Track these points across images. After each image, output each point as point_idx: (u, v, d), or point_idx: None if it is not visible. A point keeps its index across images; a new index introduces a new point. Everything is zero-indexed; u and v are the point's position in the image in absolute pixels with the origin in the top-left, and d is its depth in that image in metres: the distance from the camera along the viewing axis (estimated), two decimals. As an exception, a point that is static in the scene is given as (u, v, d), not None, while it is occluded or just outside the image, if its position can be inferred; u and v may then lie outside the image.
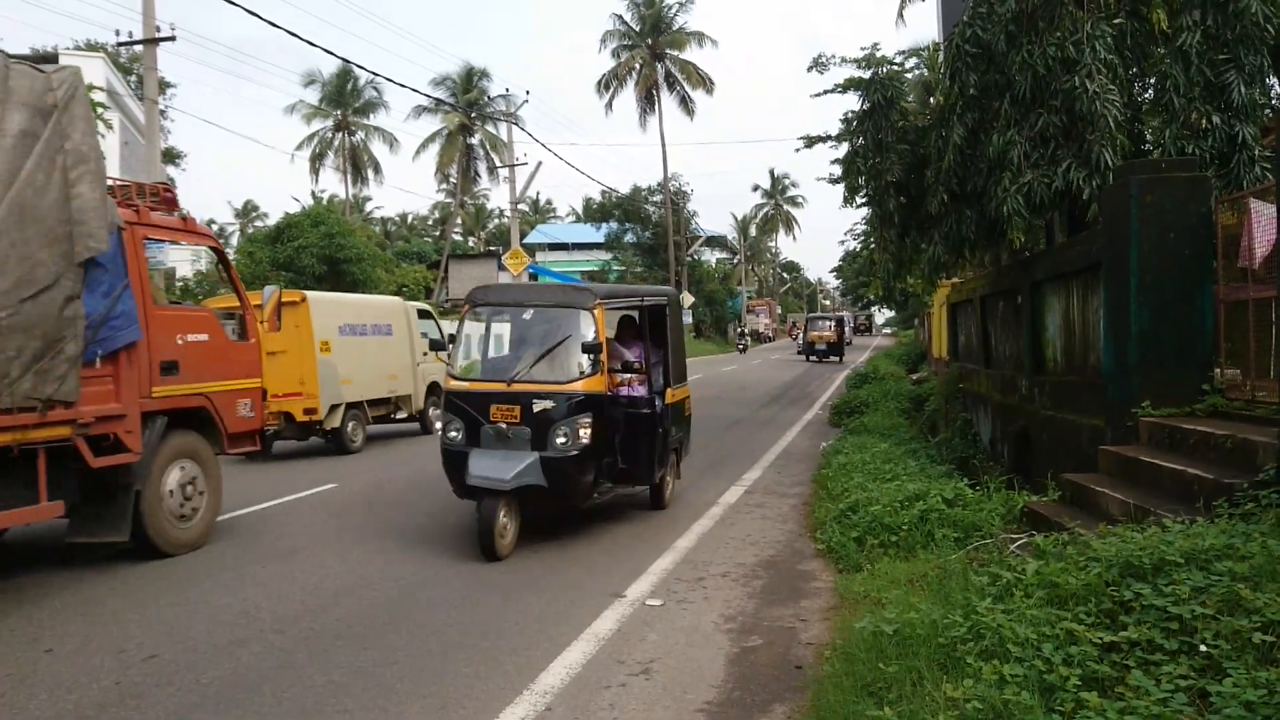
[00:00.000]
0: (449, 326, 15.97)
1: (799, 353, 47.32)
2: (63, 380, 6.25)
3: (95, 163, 6.62)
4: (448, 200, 63.99)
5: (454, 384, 7.99)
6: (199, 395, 8.09)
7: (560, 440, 7.37)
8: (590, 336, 7.72)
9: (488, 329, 8.60)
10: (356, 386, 13.96)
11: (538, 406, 7.41)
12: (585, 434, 7.47)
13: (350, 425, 13.93)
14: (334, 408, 13.49)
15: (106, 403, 6.84)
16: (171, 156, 48.45)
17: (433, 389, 15.92)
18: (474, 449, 7.48)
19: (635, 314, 9.23)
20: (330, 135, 52.89)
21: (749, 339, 60.88)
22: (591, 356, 7.61)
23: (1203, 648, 3.59)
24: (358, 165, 53.96)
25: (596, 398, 7.66)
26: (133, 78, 35.94)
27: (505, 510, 7.33)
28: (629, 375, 8.81)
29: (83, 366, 6.43)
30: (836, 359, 43.27)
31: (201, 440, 8.19)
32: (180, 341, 7.93)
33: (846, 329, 55.55)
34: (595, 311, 7.83)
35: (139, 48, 18.32)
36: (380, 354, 14.78)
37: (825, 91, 14.40)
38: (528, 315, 8.23)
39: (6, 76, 6.08)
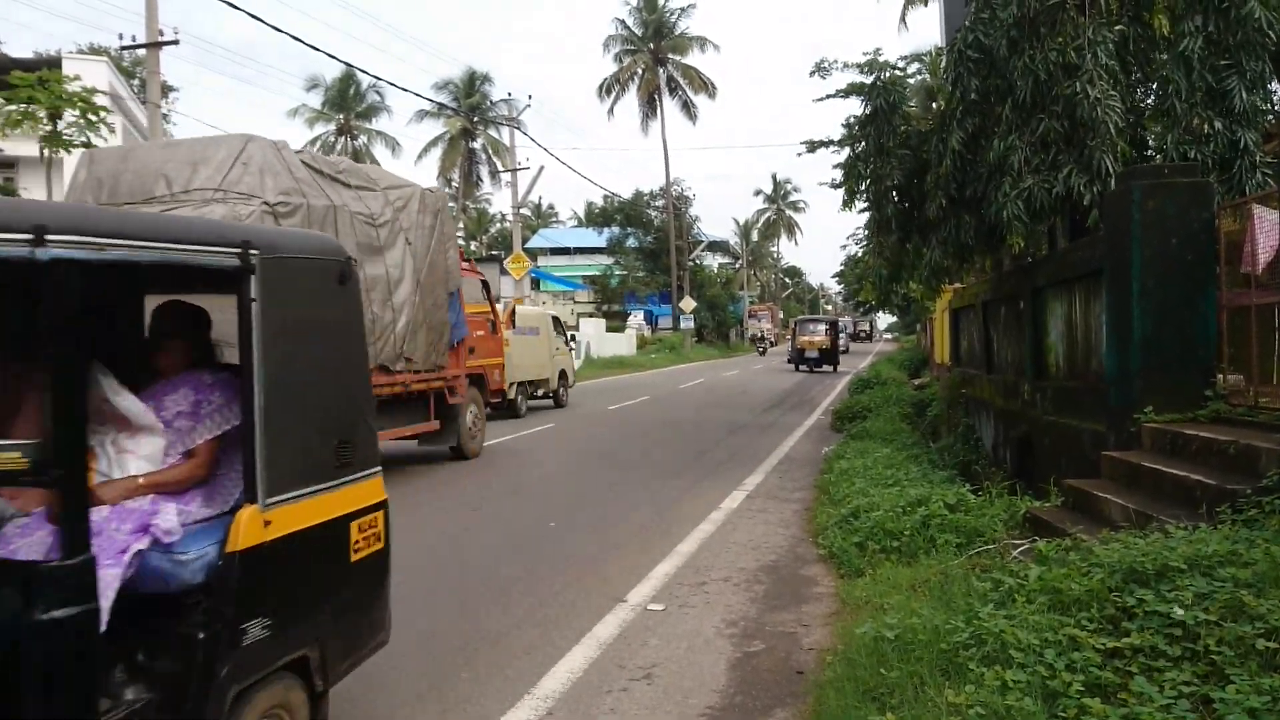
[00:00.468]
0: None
1: (788, 361, 40.69)
2: (442, 355, 11.82)
3: (453, 238, 12.25)
4: (450, 204, 64.15)
5: None
6: (481, 367, 14.53)
7: None
8: None
9: None
10: (521, 370, 19.37)
11: None
12: None
13: (519, 397, 19.51)
14: (511, 384, 18.70)
15: (454, 369, 12.43)
16: (174, 160, 48.61)
17: (561, 375, 22.51)
18: None
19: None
20: (333, 139, 52.98)
21: (768, 343, 61.50)
22: None
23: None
24: (360, 169, 54.05)
25: None
26: (135, 81, 36.03)
27: None
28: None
29: (447, 349, 11.92)
30: (830, 368, 37.85)
31: (478, 393, 13.84)
32: (475, 335, 14.02)
33: (843, 334, 52.17)
34: None
35: (142, 51, 18.34)
36: (532, 349, 20.58)
37: (827, 96, 14.36)
38: None
39: (423, 196, 11.44)
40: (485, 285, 15.70)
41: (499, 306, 14.88)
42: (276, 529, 3.30)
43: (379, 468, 4.05)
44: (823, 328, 39.54)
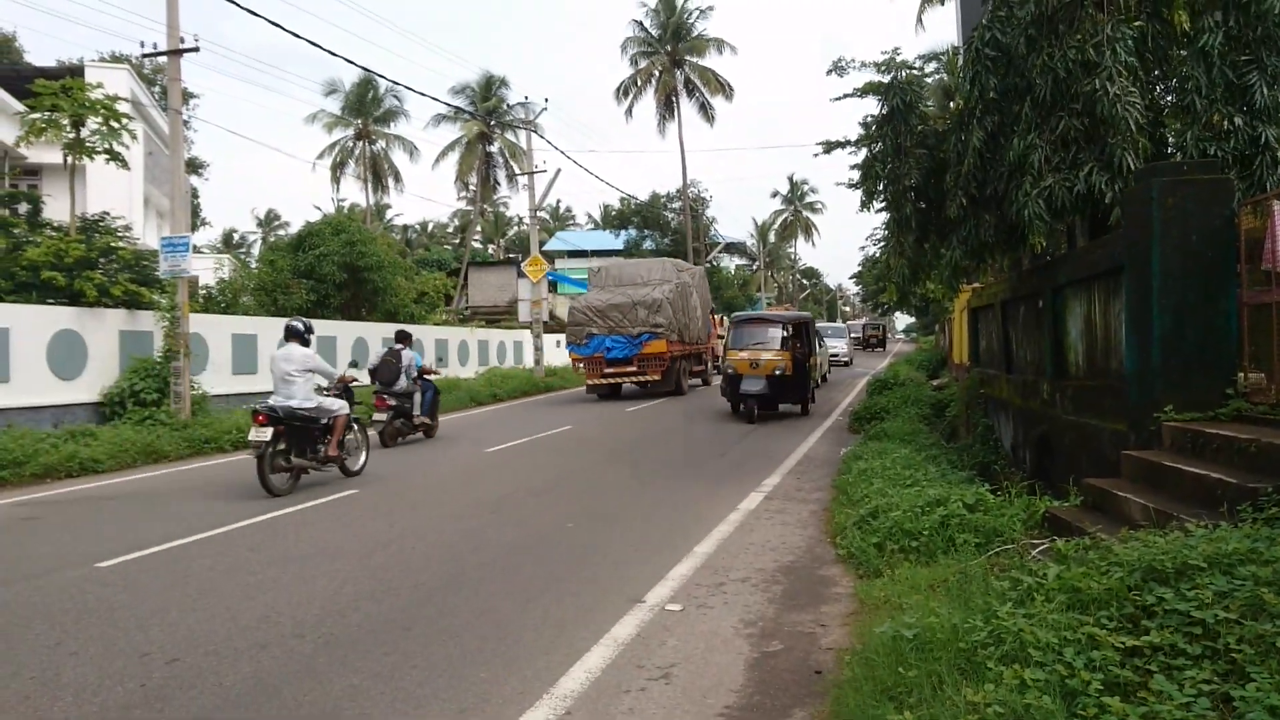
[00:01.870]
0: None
1: (721, 393, 20.90)
2: (704, 338, 30.02)
3: (707, 285, 33.23)
4: (467, 208, 64.34)
5: None
6: (711, 346, 31.89)
7: None
8: None
9: None
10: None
11: None
12: None
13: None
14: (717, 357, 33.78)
15: (705, 346, 30.64)
16: (195, 166, 49.00)
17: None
18: None
19: None
20: (351, 144, 53.28)
21: None
22: None
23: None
24: (378, 173, 54.33)
25: None
26: (156, 89, 36.36)
27: None
28: None
29: (706, 336, 30.53)
30: (797, 407, 20.38)
31: (708, 359, 31.89)
32: (709, 330, 31.36)
33: (842, 339, 42.08)
34: None
35: (163, 59, 18.50)
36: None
37: (845, 96, 14.36)
38: None
39: (702, 270, 33.82)
40: (711, 309, 33.00)
41: (718, 318, 37.23)
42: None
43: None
44: (776, 335, 19.66)
